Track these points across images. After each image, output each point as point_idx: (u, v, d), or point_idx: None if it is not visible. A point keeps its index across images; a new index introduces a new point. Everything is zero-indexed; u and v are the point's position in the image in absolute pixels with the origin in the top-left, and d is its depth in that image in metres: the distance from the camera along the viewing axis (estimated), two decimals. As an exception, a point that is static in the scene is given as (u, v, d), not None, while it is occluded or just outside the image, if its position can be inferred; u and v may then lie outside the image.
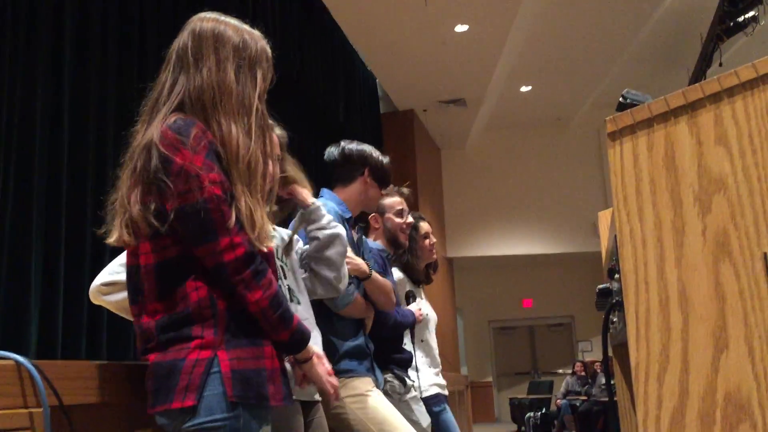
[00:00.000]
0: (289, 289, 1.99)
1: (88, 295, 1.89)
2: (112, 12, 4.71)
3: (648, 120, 1.32)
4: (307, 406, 2.00)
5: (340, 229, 2.14)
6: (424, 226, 3.43)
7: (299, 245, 2.20)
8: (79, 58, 4.37)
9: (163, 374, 1.40)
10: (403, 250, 3.26)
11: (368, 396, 2.32)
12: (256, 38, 1.62)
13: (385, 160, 2.67)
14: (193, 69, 1.53)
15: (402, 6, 7.46)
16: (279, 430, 1.79)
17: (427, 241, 3.39)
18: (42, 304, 3.81)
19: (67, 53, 4.26)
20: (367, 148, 2.65)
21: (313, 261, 2.14)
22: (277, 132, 2.00)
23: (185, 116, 1.49)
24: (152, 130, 1.47)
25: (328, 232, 2.12)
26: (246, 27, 1.63)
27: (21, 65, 3.92)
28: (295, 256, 2.13)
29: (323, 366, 1.69)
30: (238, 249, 1.42)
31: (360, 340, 2.45)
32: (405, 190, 3.14)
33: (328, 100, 7.91)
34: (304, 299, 2.05)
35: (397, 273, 3.24)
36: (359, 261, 2.43)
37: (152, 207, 1.43)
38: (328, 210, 2.42)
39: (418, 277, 3.37)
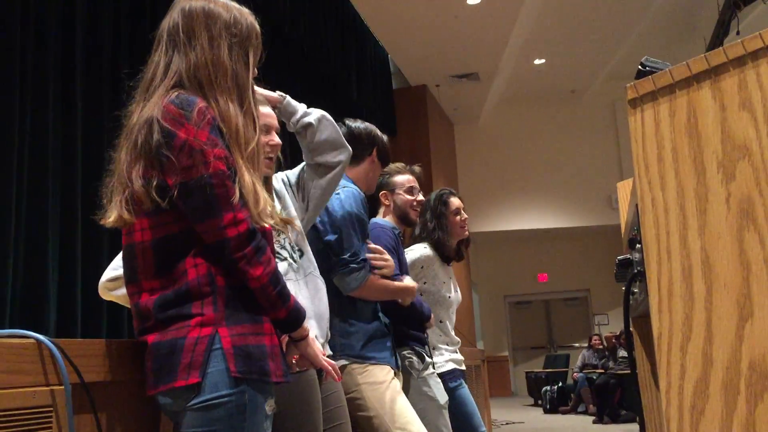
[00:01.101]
0: (291, 246, 1.98)
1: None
2: (123, 14, 4.70)
3: (670, 86, 1.29)
4: (321, 374, 2.00)
5: (319, 111, 2.10)
6: (455, 201, 3.35)
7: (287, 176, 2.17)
8: (92, 51, 4.37)
9: (164, 353, 1.39)
10: (434, 227, 3.24)
11: (386, 386, 2.34)
12: (245, 15, 1.61)
13: (386, 139, 2.67)
14: (187, 47, 1.52)
15: (413, -21, 7.39)
16: (291, 399, 1.79)
17: (458, 218, 3.32)
18: (60, 283, 3.84)
19: (78, 50, 4.25)
20: (373, 128, 2.63)
21: (313, 153, 2.09)
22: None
23: (187, 92, 1.48)
24: (151, 106, 1.46)
25: (313, 117, 2.06)
26: (235, 4, 1.62)
27: (31, 56, 3.92)
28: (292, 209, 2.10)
29: (318, 346, 1.72)
30: (241, 225, 1.41)
31: (379, 320, 2.46)
32: (416, 168, 3.11)
33: (340, 76, 7.86)
34: (307, 249, 2.05)
35: (426, 250, 3.22)
36: (392, 263, 2.46)
37: (155, 182, 1.42)
38: (348, 192, 2.41)
39: (449, 254, 3.32)
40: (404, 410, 2.34)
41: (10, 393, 1.24)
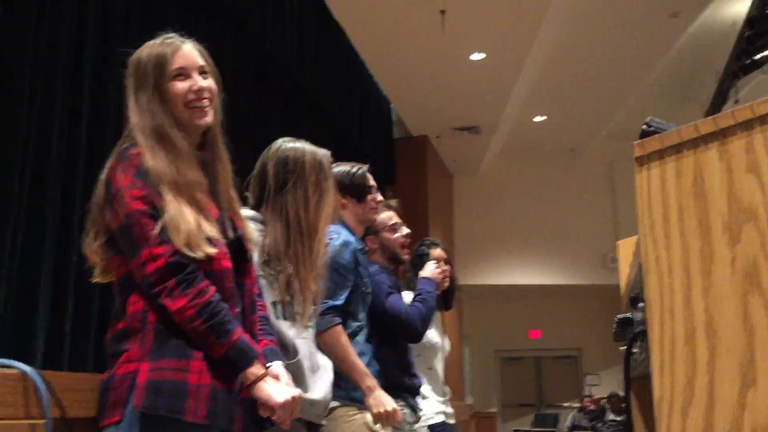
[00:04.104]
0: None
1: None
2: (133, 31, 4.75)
3: (677, 146, 1.29)
4: (312, 428, 1.95)
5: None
6: (433, 252, 3.30)
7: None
8: (100, 68, 4.40)
9: (101, 392, 1.44)
10: (412, 275, 3.21)
11: None
12: (153, 48, 1.62)
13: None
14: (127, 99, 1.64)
15: (419, 32, 7.50)
16: None
17: None
18: (51, 313, 3.78)
19: (88, 60, 4.28)
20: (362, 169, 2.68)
21: None
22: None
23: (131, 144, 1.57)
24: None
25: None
26: (156, 40, 1.64)
27: (38, 100, 3.94)
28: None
29: (277, 386, 1.50)
30: (158, 260, 1.42)
31: (367, 358, 2.41)
32: (392, 202, 3.03)
33: (342, 123, 7.92)
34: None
35: (409, 296, 3.19)
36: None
37: (100, 232, 1.54)
38: (347, 242, 2.37)
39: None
40: None
41: (-10, 424, 1.21)
